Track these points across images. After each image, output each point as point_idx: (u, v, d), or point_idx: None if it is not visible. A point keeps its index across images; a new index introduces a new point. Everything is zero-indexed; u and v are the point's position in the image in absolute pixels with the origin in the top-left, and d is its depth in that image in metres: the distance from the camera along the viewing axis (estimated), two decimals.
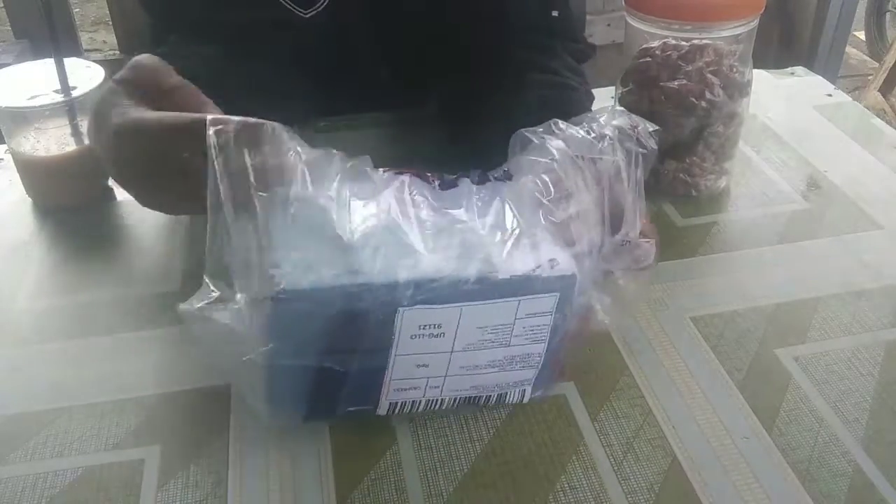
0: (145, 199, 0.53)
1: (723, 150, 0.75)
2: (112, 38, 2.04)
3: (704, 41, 0.71)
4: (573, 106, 0.74)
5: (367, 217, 0.47)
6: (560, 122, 0.51)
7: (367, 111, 0.87)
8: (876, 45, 3.08)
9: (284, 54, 0.73)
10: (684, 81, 0.70)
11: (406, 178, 0.49)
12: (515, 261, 0.47)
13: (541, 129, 0.51)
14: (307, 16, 0.75)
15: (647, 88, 0.72)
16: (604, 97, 0.92)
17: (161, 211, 0.57)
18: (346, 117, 0.87)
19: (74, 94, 0.73)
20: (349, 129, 0.86)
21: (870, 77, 2.56)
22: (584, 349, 0.59)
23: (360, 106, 0.87)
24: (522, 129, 0.52)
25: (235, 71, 0.69)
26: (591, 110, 0.75)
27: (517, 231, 0.48)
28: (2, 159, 0.84)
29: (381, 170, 0.49)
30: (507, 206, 0.49)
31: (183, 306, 0.46)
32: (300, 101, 0.76)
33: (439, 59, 0.81)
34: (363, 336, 0.47)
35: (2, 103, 0.72)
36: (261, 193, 0.44)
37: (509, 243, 0.47)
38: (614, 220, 0.51)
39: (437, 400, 0.52)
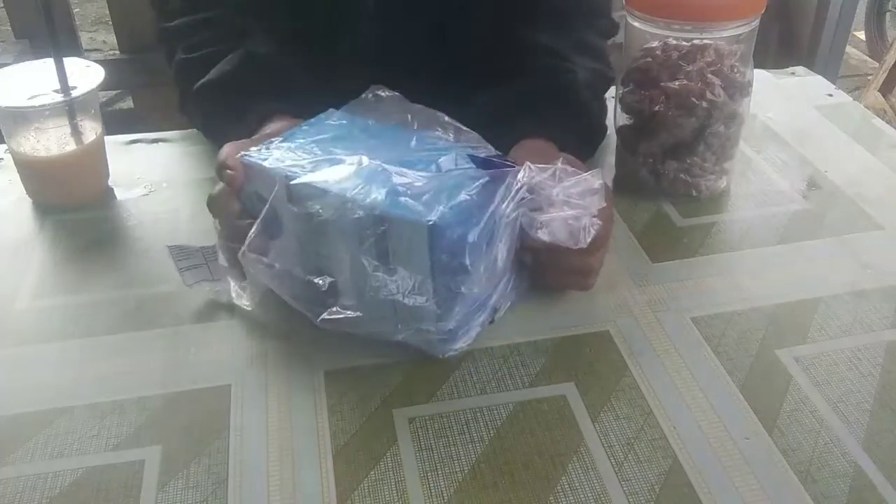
0: None
1: (723, 151, 0.75)
2: (112, 38, 2.04)
3: (705, 41, 0.70)
4: (563, 93, 0.74)
5: None
6: None
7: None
8: (876, 45, 3.07)
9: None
10: (685, 81, 0.70)
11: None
12: None
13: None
14: None
15: (647, 88, 0.72)
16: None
17: None
18: None
19: (74, 93, 0.73)
20: None
21: (870, 77, 2.55)
22: (584, 349, 0.59)
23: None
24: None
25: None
26: (587, 93, 0.76)
27: None
28: (2, 159, 0.84)
29: None
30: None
31: None
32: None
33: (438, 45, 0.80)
34: None
35: (2, 103, 0.72)
36: None
37: None
38: None
39: None
